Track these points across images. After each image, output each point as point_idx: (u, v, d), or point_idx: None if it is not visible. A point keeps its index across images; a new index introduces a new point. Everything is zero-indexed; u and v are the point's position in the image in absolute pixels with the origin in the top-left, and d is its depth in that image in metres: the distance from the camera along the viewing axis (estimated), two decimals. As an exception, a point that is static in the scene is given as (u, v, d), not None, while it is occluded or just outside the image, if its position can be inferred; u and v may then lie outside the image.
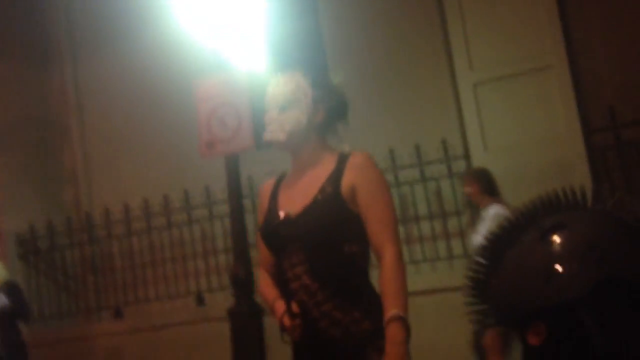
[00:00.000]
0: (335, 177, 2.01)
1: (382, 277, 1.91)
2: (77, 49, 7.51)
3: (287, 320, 1.95)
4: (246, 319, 4.75)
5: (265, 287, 2.13)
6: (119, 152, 7.21)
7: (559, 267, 1.03)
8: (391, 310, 1.84)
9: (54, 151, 7.52)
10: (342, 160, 2.04)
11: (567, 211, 1.12)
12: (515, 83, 5.01)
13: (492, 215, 4.12)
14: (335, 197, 1.97)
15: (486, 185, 4.31)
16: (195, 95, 4.79)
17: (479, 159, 5.15)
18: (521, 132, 4.98)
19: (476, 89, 5.10)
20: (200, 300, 6.51)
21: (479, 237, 4.14)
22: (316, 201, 1.99)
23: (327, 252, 1.95)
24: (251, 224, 5.99)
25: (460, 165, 5.75)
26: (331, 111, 2.11)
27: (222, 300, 5.83)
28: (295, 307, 1.94)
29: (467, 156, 5.51)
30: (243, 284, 4.80)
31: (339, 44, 6.27)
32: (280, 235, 2.02)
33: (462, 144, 5.66)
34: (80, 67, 7.49)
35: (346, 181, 1.99)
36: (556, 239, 1.06)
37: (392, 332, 1.83)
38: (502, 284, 1.10)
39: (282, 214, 2.03)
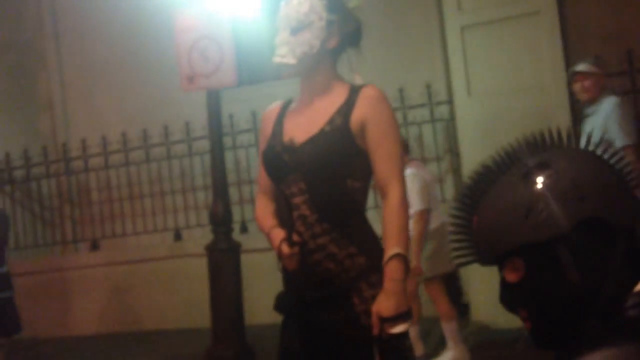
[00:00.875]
0: (346, 109, 1.93)
1: (386, 214, 1.90)
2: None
3: (285, 248, 1.90)
4: (224, 256, 4.78)
5: (263, 214, 2.07)
6: (97, 81, 7.05)
7: (541, 205, 1.03)
8: (393, 248, 1.85)
9: (30, 78, 7.33)
10: (354, 92, 1.96)
11: (552, 151, 1.12)
12: (503, 28, 4.94)
13: (409, 174, 4.18)
14: (344, 130, 1.91)
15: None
16: (174, 26, 4.66)
17: (463, 104, 5.13)
18: (506, 78, 4.94)
19: (463, 32, 5.02)
20: (177, 236, 6.53)
21: None
22: (323, 132, 1.92)
23: (329, 185, 1.90)
24: (231, 161, 5.97)
25: (443, 110, 5.73)
26: (346, 37, 2.00)
27: (200, 237, 5.85)
28: (296, 237, 1.90)
29: (450, 101, 5.48)
30: (222, 221, 4.82)
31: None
32: (281, 162, 1.95)
33: (446, 90, 5.62)
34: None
35: (357, 115, 1.92)
36: (539, 177, 1.05)
37: (392, 269, 1.83)
38: (483, 221, 1.09)
39: (286, 140, 1.96)
